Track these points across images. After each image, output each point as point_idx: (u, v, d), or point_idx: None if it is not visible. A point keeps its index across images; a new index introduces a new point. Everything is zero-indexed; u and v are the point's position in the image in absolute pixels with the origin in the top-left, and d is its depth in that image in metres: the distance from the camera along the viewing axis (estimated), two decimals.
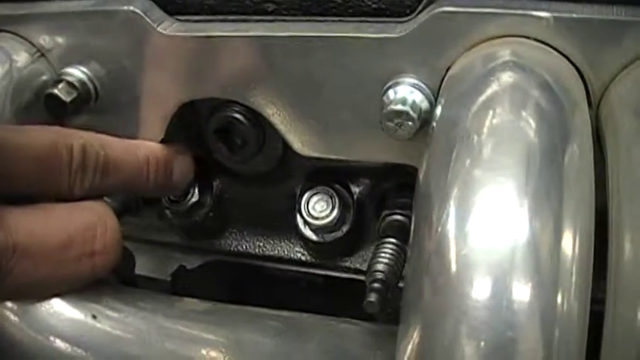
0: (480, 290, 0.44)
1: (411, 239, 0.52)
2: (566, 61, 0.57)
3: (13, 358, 0.62)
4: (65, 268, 0.60)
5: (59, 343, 0.61)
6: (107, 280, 0.65)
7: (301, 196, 0.73)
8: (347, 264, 0.78)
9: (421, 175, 0.53)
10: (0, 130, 0.60)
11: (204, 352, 0.62)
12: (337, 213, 0.72)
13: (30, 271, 0.58)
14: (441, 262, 0.46)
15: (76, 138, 0.62)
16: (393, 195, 0.72)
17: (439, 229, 0.47)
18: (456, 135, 0.51)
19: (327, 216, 0.72)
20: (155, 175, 0.69)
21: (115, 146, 0.66)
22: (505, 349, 0.43)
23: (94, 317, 0.62)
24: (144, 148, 0.69)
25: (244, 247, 0.81)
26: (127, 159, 0.66)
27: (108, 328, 0.62)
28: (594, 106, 0.59)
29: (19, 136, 0.59)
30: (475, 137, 0.50)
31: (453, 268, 0.46)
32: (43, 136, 0.61)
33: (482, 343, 0.44)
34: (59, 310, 0.62)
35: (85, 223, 0.61)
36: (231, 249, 0.81)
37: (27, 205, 0.60)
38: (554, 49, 0.57)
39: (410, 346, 0.47)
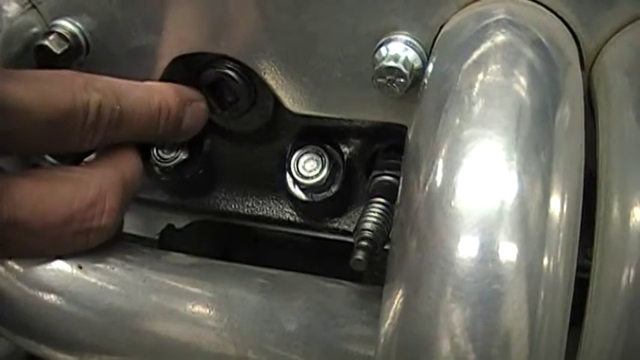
0: (466, 242, 0.44)
1: (399, 193, 0.52)
2: (560, 22, 0.57)
3: None
4: (61, 242, 0.60)
5: (44, 294, 0.61)
6: None
7: (291, 155, 0.73)
8: (336, 225, 0.78)
9: (411, 131, 0.53)
10: (9, 82, 0.57)
11: (189, 305, 0.62)
12: (327, 172, 0.71)
13: (27, 243, 0.59)
14: (428, 214, 0.46)
15: (93, 92, 0.60)
16: (383, 155, 0.72)
17: (428, 182, 0.47)
18: (447, 91, 0.51)
19: (317, 175, 0.71)
20: (166, 123, 0.67)
21: (129, 96, 0.63)
22: (491, 301, 0.44)
23: (80, 268, 0.62)
24: (157, 94, 0.66)
25: (233, 206, 0.81)
26: (140, 110, 0.64)
27: (93, 280, 0.62)
28: (587, 67, 0.59)
29: (34, 95, 0.57)
30: (466, 93, 0.50)
31: (440, 220, 0.46)
32: (60, 95, 0.58)
33: (468, 296, 0.44)
34: (44, 260, 0.61)
35: (89, 200, 0.60)
36: (220, 208, 0.81)
37: (34, 173, 0.59)
38: (549, 9, 0.57)
39: (395, 302, 0.48)
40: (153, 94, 0.66)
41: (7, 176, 0.58)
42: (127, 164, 0.65)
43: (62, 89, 0.59)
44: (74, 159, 0.74)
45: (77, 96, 0.59)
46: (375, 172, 0.70)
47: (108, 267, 0.63)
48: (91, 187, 0.60)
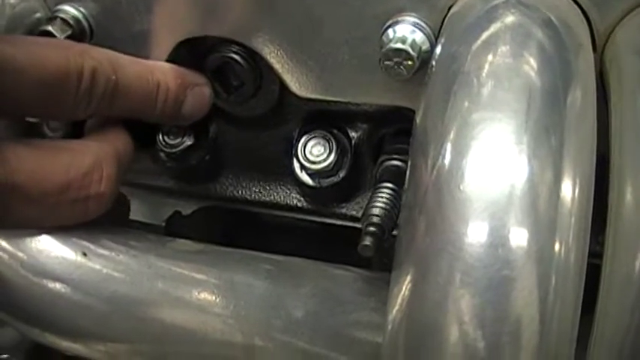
0: (475, 227, 0.44)
1: (407, 178, 0.51)
2: (572, 2, 0.56)
3: (1, 295, 0.61)
4: (59, 210, 0.60)
5: (48, 281, 0.61)
6: (99, 220, 0.64)
7: (298, 140, 0.72)
8: (343, 211, 0.77)
9: (419, 114, 0.52)
10: (4, 45, 0.57)
11: (195, 292, 0.61)
12: (334, 157, 0.71)
13: (25, 211, 0.59)
14: (437, 197, 0.46)
15: (88, 59, 0.60)
16: (390, 140, 0.71)
17: (436, 166, 0.47)
18: (455, 73, 0.50)
19: (324, 160, 0.71)
20: (163, 105, 0.67)
21: (127, 70, 0.63)
22: (501, 287, 0.43)
23: (85, 255, 0.61)
24: (158, 72, 0.66)
25: (240, 192, 0.80)
26: (137, 85, 0.64)
27: (98, 266, 0.61)
28: (599, 49, 0.58)
29: (26, 55, 0.57)
30: (475, 75, 0.49)
31: (449, 204, 0.45)
32: (53, 57, 0.59)
33: (478, 281, 0.43)
34: (49, 247, 0.61)
35: (85, 168, 0.60)
36: (227, 194, 0.80)
37: (31, 141, 0.60)
38: None
39: (403, 288, 0.47)
40: (153, 72, 0.66)
41: (4, 142, 0.57)
42: (120, 139, 0.66)
43: (57, 53, 0.59)
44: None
45: (71, 60, 0.59)
46: (382, 157, 0.69)
47: (112, 254, 0.62)
48: (88, 155, 0.61)
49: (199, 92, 0.70)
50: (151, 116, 0.68)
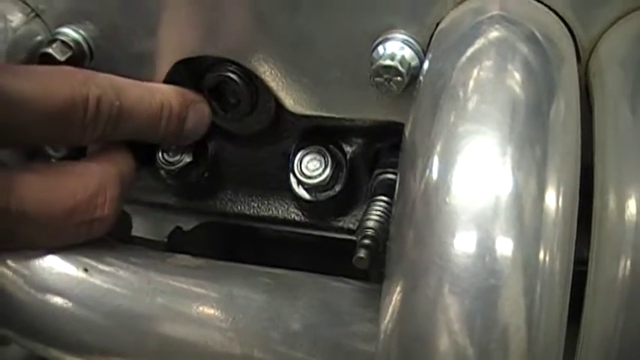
0: (462, 238, 0.45)
1: (396, 191, 0.52)
2: (555, 16, 0.57)
3: (2, 311, 0.62)
4: (65, 234, 0.61)
5: (50, 296, 0.62)
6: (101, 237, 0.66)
7: (294, 155, 0.73)
8: (340, 224, 0.78)
9: (408, 128, 0.53)
10: (10, 76, 0.58)
11: (195, 306, 0.62)
12: (330, 171, 0.72)
13: (31, 236, 0.60)
14: (424, 211, 0.47)
15: (92, 87, 0.61)
16: (385, 154, 0.72)
17: (423, 179, 0.48)
18: (441, 87, 0.51)
19: (320, 174, 0.72)
20: (167, 124, 0.67)
21: (130, 94, 0.64)
22: (488, 296, 0.44)
23: (86, 271, 0.62)
24: (159, 94, 0.67)
25: (239, 208, 0.81)
26: (141, 108, 0.65)
27: (99, 282, 0.62)
28: (584, 62, 0.59)
29: (32, 87, 0.58)
30: (461, 89, 0.50)
31: (436, 217, 0.46)
32: (58, 88, 0.59)
33: (465, 291, 0.44)
34: (50, 263, 0.62)
35: (90, 192, 0.61)
36: (227, 210, 0.82)
37: (37, 167, 0.61)
38: (543, 3, 0.57)
39: (394, 299, 0.48)
40: (154, 93, 0.67)
41: (12, 171, 0.59)
42: (122, 159, 0.67)
43: (62, 83, 0.60)
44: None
45: (77, 89, 0.60)
46: (377, 171, 0.70)
47: (113, 269, 0.63)
48: (92, 179, 0.62)
49: (199, 109, 0.71)
50: (155, 137, 0.69)
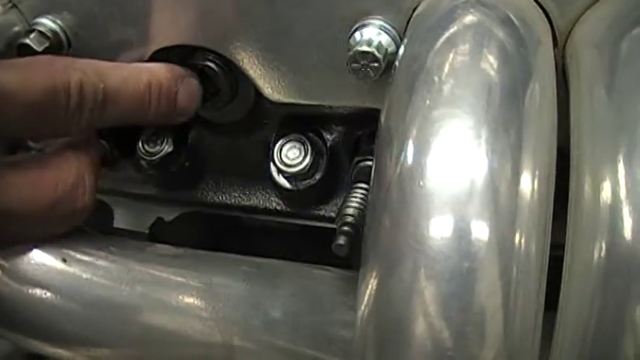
0: (437, 221, 0.45)
1: (372, 176, 0.52)
2: (532, 1, 0.57)
3: None
4: (47, 227, 0.62)
5: (30, 288, 0.62)
6: (79, 226, 0.65)
7: (274, 144, 0.73)
8: (321, 212, 0.78)
9: (384, 112, 0.53)
10: None
11: (174, 295, 0.62)
12: (310, 160, 0.72)
13: (15, 231, 0.60)
14: (400, 194, 0.47)
15: (73, 72, 0.59)
16: (365, 141, 0.72)
17: (399, 163, 0.48)
18: (416, 72, 0.51)
19: (300, 163, 0.72)
20: (157, 103, 0.65)
21: (113, 75, 0.62)
22: (463, 278, 0.44)
23: (64, 261, 0.62)
24: (146, 72, 0.65)
25: (220, 197, 0.81)
26: (126, 88, 0.63)
27: (78, 272, 0.62)
28: (560, 45, 0.59)
29: (10, 77, 0.57)
30: (436, 73, 0.50)
31: (411, 200, 0.46)
32: (38, 77, 0.58)
33: (440, 274, 0.44)
34: (29, 254, 0.62)
35: (71, 183, 0.61)
36: (208, 200, 0.82)
37: (17, 162, 0.61)
38: None
39: (370, 284, 0.48)
40: (140, 73, 0.65)
41: None
42: (93, 147, 0.66)
43: (41, 72, 0.59)
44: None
45: (57, 76, 0.59)
46: (357, 158, 0.70)
47: (92, 259, 0.63)
48: (71, 170, 0.62)
49: (189, 83, 0.69)
50: (146, 118, 0.67)
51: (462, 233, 0.44)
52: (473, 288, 0.44)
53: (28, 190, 0.59)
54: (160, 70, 0.67)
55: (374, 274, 0.48)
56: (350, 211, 0.64)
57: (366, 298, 0.48)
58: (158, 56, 0.69)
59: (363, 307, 0.48)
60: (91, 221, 0.66)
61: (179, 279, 0.63)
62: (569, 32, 0.58)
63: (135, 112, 0.65)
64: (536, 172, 0.46)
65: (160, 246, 0.68)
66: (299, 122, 0.74)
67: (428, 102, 0.49)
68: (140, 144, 0.74)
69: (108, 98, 0.62)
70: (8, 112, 0.57)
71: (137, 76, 0.65)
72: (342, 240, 0.61)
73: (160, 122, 0.70)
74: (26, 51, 0.68)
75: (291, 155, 0.72)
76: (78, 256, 0.63)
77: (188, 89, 0.69)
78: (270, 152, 0.73)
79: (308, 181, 0.73)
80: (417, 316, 0.45)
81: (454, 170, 0.46)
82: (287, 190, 0.74)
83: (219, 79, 0.70)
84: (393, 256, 0.46)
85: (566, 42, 0.59)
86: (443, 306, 0.44)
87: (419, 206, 0.46)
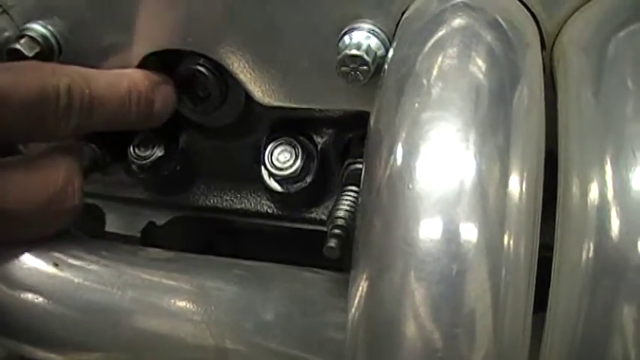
0: (426, 224, 0.45)
1: (362, 179, 0.52)
2: (519, 3, 0.58)
3: None
4: (41, 226, 0.62)
5: (21, 293, 0.62)
6: (70, 231, 0.66)
7: (265, 147, 0.73)
8: (313, 215, 0.79)
9: (373, 115, 0.54)
10: None
11: (166, 298, 0.62)
12: (300, 163, 0.72)
13: (10, 232, 0.61)
14: (389, 197, 0.47)
15: (61, 76, 0.61)
16: (356, 144, 0.72)
17: (388, 166, 0.48)
18: (405, 75, 0.51)
19: (291, 166, 0.72)
20: (137, 107, 0.67)
21: (98, 81, 0.64)
22: (452, 280, 0.44)
23: (56, 265, 0.62)
24: (127, 79, 0.67)
25: (212, 201, 0.81)
26: (110, 93, 0.65)
27: (70, 276, 0.62)
28: (548, 47, 0.59)
29: (3, 79, 0.58)
30: (424, 77, 0.50)
31: (401, 202, 0.46)
32: (29, 79, 0.59)
33: (430, 276, 0.44)
34: (20, 259, 0.62)
35: (61, 184, 0.62)
36: (199, 203, 0.82)
37: (9, 163, 0.61)
38: None
39: (361, 286, 0.48)
40: (122, 78, 0.67)
41: None
42: (77, 149, 0.67)
43: (31, 75, 0.60)
44: None
45: (46, 80, 0.60)
46: (348, 161, 0.71)
47: (83, 264, 0.63)
48: (61, 171, 0.62)
49: (164, 90, 0.71)
50: (127, 123, 0.68)
51: (451, 235, 0.44)
52: (462, 289, 0.44)
53: (23, 192, 0.59)
54: (138, 76, 0.69)
55: (365, 276, 0.48)
56: (341, 213, 0.64)
57: (357, 300, 0.48)
58: (148, 61, 0.70)
59: (354, 309, 0.49)
60: (83, 225, 0.67)
61: (171, 283, 0.63)
62: (557, 35, 0.59)
63: (117, 116, 0.67)
64: (525, 174, 0.47)
65: (151, 250, 0.68)
66: (290, 125, 0.74)
67: (417, 105, 0.49)
68: (131, 148, 0.75)
69: (94, 102, 0.63)
70: (2, 112, 0.58)
71: (118, 82, 0.67)
72: (333, 242, 0.61)
73: (136, 127, 0.72)
74: (16, 56, 0.68)
75: (282, 158, 0.73)
76: (69, 260, 0.63)
77: (164, 95, 0.71)
78: (261, 155, 0.74)
79: (299, 184, 0.74)
80: (408, 318, 0.45)
81: (443, 172, 0.46)
82: (278, 193, 0.75)
83: (210, 83, 0.71)
84: (384, 259, 0.46)
85: (553, 44, 0.59)
86: (433, 307, 0.44)
87: (408, 209, 0.46)
